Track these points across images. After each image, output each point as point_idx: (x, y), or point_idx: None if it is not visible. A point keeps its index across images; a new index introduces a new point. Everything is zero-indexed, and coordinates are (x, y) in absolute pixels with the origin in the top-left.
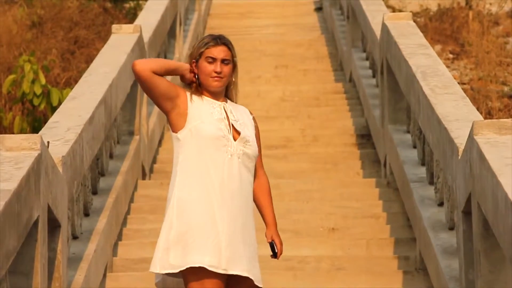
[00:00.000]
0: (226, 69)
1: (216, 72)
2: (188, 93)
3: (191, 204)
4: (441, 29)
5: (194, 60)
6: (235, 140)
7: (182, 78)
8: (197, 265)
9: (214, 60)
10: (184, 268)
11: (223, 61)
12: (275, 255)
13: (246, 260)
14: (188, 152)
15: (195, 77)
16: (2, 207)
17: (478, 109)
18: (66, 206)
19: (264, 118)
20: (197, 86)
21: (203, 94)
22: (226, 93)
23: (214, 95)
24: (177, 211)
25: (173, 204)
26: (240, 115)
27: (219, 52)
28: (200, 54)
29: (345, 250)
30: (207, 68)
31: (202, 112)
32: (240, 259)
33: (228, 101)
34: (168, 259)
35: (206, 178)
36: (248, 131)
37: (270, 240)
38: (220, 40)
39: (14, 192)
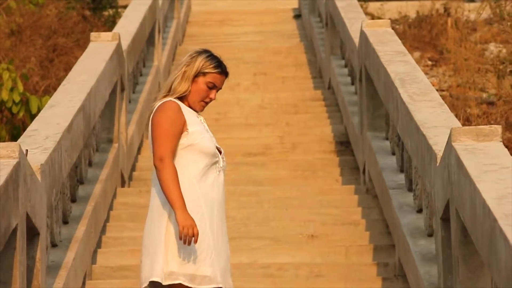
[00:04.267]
0: (215, 97)
1: (210, 98)
2: (176, 101)
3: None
4: (419, 36)
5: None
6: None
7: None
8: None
9: (214, 87)
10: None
11: (218, 89)
12: None
13: (230, 272)
14: (184, 160)
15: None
16: None
17: (456, 115)
18: (45, 214)
19: (243, 126)
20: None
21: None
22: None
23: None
24: (174, 220)
25: (170, 212)
26: None
27: (222, 81)
28: (204, 73)
29: (324, 257)
30: (205, 92)
31: (193, 120)
32: (228, 272)
33: None
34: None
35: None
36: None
37: None
38: (225, 69)
39: None
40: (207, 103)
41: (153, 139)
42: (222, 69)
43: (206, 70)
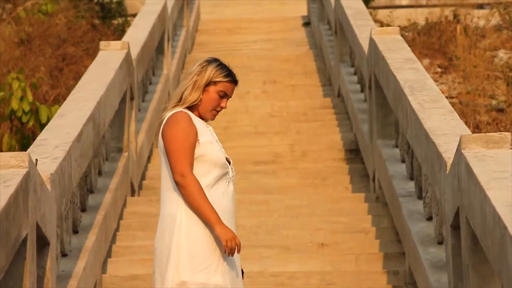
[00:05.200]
0: (226, 106)
1: (222, 107)
2: (186, 111)
3: (199, 224)
4: (429, 43)
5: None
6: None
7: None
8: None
9: (225, 96)
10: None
11: (229, 98)
12: None
13: (241, 282)
14: (195, 171)
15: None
16: None
17: (466, 123)
18: (55, 223)
19: (252, 134)
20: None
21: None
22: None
23: (201, 118)
24: (185, 228)
25: (181, 221)
26: None
27: (232, 90)
28: (215, 82)
29: (335, 266)
30: (216, 101)
31: (203, 131)
32: (240, 282)
33: None
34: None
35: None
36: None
37: None
38: (235, 78)
39: (2, 210)
40: (218, 111)
41: (169, 152)
42: (232, 78)
43: (217, 79)
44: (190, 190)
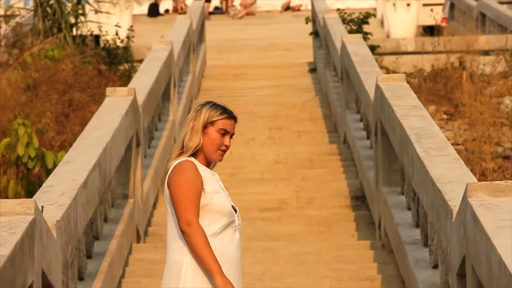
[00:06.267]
0: (230, 144)
1: (226, 145)
2: (192, 160)
3: (204, 273)
4: (435, 89)
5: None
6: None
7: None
8: None
9: (226, 133)
10: None
11: (231, 135)
12: None
13: None
14: (201, 220)
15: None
16: None
17: (472, 170)
18: (61, 270)
19: (258, 181)
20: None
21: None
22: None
23: (207, 163)
24: (190, 276)
25: (186, 269)
26: None
27: (231, 126)
28: (212, 123)
29: None
30: (219, 140)
31: (209, 179)
32: None
33: None
34: None
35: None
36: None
37: None
38: (232, 113)
39: (8, 257)
40: (224, 151)
41: (176, 202)
42: (228, 114)
43: (214, 119)
44: (195, 239)
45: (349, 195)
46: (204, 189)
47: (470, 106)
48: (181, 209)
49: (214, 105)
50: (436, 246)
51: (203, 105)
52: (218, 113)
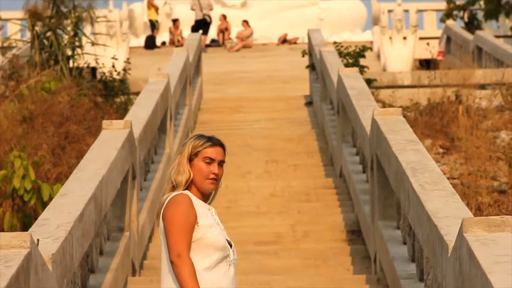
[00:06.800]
0: (221, 171)
1: (214, 173)
2: (187, 193)
3: None
4: (431, 123)
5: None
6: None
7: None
8: None
9: (212, 161)
10: None
11: (219, 162)
12: None
13: None
14: (194, 254)
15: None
16: None
17: (468, 204)
18: None
19: (254, 214)
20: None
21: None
22: (207, 195)
23: (203, 196)
24: None
25: None
26: None
27: (217, 153)
28: (196, 154)
29: None
30: (205, 169)
31: (203, 213)
32: None
33: None
34: None
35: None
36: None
37: None
38: (217, 141)
39: None
40: (214, 179)
41: (168, 234)
42: (213, 142)
43: (197, 149)
44: (182, 270)
45: (345, 229)
46: (197, 223)
47: (466, 140)
48: (173, 242)
49: (199, 136)
50: (432, 281)
51: (189, 139)
52: (201, 143)
